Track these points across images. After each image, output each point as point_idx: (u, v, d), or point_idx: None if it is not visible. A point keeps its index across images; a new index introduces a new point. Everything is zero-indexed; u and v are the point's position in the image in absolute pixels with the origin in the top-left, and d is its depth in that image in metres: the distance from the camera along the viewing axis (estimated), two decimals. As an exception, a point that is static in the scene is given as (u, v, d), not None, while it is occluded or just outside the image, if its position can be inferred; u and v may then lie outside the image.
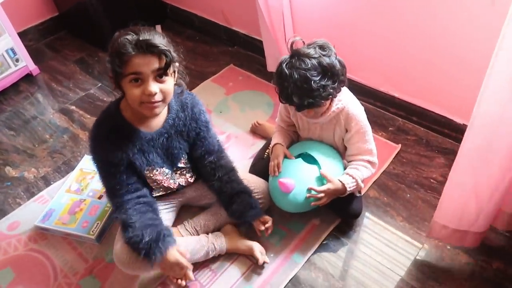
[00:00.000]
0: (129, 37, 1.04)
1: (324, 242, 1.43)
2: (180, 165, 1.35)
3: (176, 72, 1.17)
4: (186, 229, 1.40)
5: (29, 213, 1.58)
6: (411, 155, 1.71)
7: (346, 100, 1.31)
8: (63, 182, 1.68)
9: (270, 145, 1.46)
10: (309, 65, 1.17)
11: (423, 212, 1.51)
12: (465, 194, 1.15)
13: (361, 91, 1.92)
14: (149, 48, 1.04)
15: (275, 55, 1.97)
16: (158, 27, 2.56)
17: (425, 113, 1.78)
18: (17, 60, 2.17)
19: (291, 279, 1.34)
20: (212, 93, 2.08)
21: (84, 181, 1.65)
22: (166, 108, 1.24)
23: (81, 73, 2.31)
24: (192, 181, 1.42)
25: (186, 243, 1.32)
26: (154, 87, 1.08)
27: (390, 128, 1.83)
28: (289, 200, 1.34)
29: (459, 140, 1.70)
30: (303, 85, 1.17)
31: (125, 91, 1.11)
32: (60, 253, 1.46)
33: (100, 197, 1.58)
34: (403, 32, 1.63)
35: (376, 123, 1.86)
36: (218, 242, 1.36)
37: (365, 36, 1.76)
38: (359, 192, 1.42)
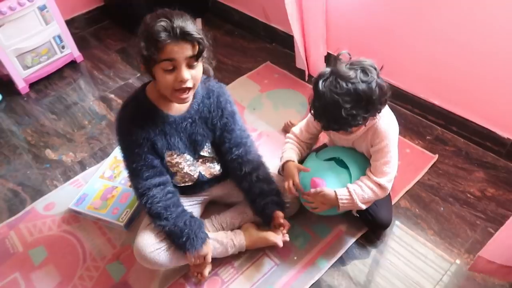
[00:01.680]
0: (163, 23, 1.04)
1: (349, 249, 1.40)
2: (203, 153, 1.34)
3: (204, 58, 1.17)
4: (213, 224, 1.41)
5: (64, 196, 1.65)
6: (448, 166, 1.64)
7: (379, 115, 1.23)
8: (98, 168, 1.74)
9: (281, 161, 1.39)
10: (344, 90, 1.10)
11: (457, 227, 1.44)
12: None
13: (399, 96, 1.87)
14: (183, 36, 1.04)
15: (301, 54, 1.95)
16: (199, 21, 2.58)
17: (466, 123, 1.70)
18: (63, 47, 2.26)
19: (313, 284, 1.33)
20: (246, 89, 2.08)
21: (118, 169, 1.70)
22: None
23: (122, 63, 2.37)
24: (218, 173, 1.40)
25: None
26: (187, 73, 1.09)
27: (427, 137, 1.76)
28: None
29: (501, 154, 1.64)
30: (333, 110, 1.13)
31: (158, 78, 1.11)
32: (91, 236, 1.51)
33: (131, 185, 1.62)
34: (445, 38, 1.56)
35: (413, 130, 1.79)
36: (237, 239, 1.36)
37: (406, 39, 1.70)
38: (357, 212, 1.36)
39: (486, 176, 1.59)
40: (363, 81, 1.12)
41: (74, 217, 1.58)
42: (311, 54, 1.98)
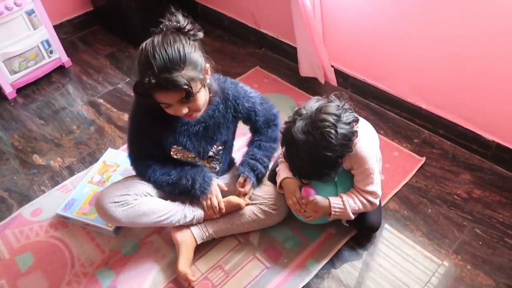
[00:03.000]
0: (148, 77, 1.05)
1: (339, 252, 1.41)
2: (210, 154, 1.39)
3: (205, 74, 1.18)
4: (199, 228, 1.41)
5: (52, 201, 1.63)
6: (436, 169, 1.66)
7: (357, 138, 1.19)
8: (86, 173, 1.72)
9: (278, 179, 1.39)
10: (307, 158, 1.12)
11: (444, 229, 1.46)
12: None
13: (387, 101, 1.89)
14: (169, 86, 1.07)
15: (311, 60, 1.95)
16: (188, 26, 2.59)
17: (452, 127, 1.73)
18: (51, 52, 2.25)
19: (303, 286, 1.33)
20: (236, 94, 2.08)
21: (106, 174, 1.68)
22: (207, 100, 1.27)
23: (111, 68, 2.36)
24: (217, 171, 1.46)
25: (164, 203, 1.36)
26: (183, 110, 1.15)
27: (415, 140, 1.79)
28: None
29: (486, 157, 1.67)
30: (304, 170, 1.19)
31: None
32: (79, 242, 1.49)
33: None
34: (433, 44, 1.59)
35: (401, 134, 1.82)
36: (195, 208, 1.39)
37: (395, 45, 1.72)
38: (347, 221, 1.38)
39: (473, 178, 1.62)
40: (323, 147, 1.09)
41: (62, 222, 1.56)
42: (323, 60, 1.94)
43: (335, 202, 1.28)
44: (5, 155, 1.87)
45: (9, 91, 2.16)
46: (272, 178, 1.50)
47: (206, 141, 1.34)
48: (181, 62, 1.08)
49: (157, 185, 1.35)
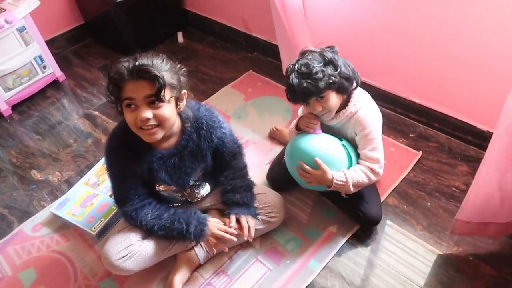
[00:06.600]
0: (125, 63, 1.05)
1: (341, 250, 1.41)
2: (191, 183, 1.35)
3: (180, 98, 1.16)
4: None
5: (52, 216, 1.63)
6: (433, 162, 1.67)
7: (360, 104, 1.31)
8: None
9: (294, 122, 1.45)
10: (310, 56, 1.23)
11: (444, 221, 1.47)
12: (490, 189, 1.18)
13: (381, 97, 1.89)
14: (139, 74, 1.03)
15: (292, 59, 1.96)
16: (180, 34, 2.60)
17: (447, 120, 1.73)
18: (44, 67, 2.25)
19: (307, 286, 1.33)
20: (231, 99, 2.09)
21: (102, 176, 1.70)
22: (179, 129, 1.24)
23: (105, 80, 2.36)
24: (205, 194, 1.43)
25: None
26: (146, 113, 1.07)
27: (411, 135, 1.80)
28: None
29: (482, 147, 1.67)
30: (304, 70, 1.22)
31: (124, 116, 1.12)
32: (81, 255, 1.49)
33: (111, 195, 1.58)
34: (423, 38, 1.60)
35: (397, 129, 1.82)
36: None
37: (385, 41, 1.74)
38: (346, 195, 1.37)
39: (470, 169, 1.62)
40: (327, 50, 1.26)
41: (63, 236, 1.56)
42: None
43: (337, 175, 1.29)
44: (3, 172, 1.87)
45: (4, 108, 2.17)
46: (270, 176, 1.51)
47: (184, 172, 1.28)
48: (161, 63, 1.08)
49: (150, 230, 1.27)
